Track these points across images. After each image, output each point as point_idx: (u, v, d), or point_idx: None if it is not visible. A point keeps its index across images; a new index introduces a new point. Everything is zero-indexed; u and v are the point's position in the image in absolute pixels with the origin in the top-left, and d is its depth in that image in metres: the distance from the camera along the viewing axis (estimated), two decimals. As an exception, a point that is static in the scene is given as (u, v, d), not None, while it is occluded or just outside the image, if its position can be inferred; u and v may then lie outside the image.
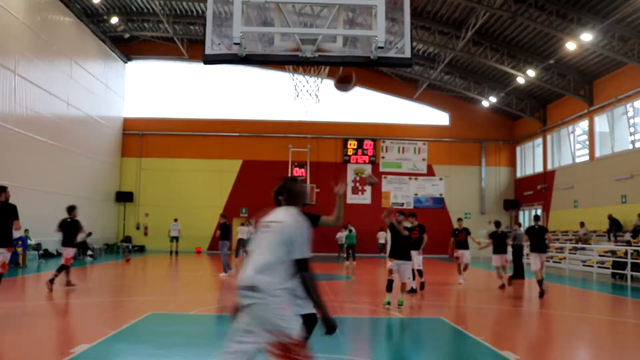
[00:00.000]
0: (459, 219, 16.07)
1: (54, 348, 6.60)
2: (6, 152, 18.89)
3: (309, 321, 4.10)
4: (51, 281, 11.38)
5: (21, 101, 20.01)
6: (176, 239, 27.35)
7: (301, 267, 3.39)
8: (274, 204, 3.89)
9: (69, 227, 12.14)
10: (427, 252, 14.07)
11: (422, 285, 12.86)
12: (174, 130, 31.08)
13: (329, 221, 5.22)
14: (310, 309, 3.77)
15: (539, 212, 29.54)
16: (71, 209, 12.29)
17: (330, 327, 3.39)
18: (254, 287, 3.35)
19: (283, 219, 3.58)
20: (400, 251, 10.18)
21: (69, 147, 23.93)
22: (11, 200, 9.43)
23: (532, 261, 12.74)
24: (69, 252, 12.05)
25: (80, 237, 13.01)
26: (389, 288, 9.99)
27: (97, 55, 27.64)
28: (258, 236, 3.64)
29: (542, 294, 11.97)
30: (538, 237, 12.76)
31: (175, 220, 28.02)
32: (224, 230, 16.27)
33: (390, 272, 10.18)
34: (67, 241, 12.10)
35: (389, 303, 9.86)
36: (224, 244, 16.20)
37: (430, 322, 9.36)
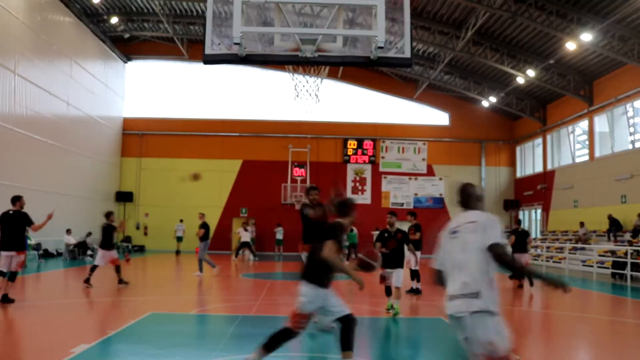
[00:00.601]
0: None
1: (54, 348, 6.59)
2: (6, 152, 18.89)
3: None
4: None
5: (21, 101, 20.01)
6: (180, 239, 27.63)
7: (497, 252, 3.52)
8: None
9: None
10: (427, 252, 14.06)
11: (417, 291, 12.34)
12: (174, 130, 31.08)
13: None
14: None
15: (539, 212, 29.57)
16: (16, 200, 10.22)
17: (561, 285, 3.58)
18: (478, 292, 3.45)
19: (476, 218, 3.73)
20: (386, 260, 9.29)
21: (69, 147, 23.93)
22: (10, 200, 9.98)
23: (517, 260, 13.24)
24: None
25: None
26: (389, 292, 9.63)
27: (97, 55, 27.64)
28: (452, 241, 3.75)
29: (532, 283, 13.50)
30: (521, 239, 13.91)
31: (181, 220, 28.11)
32: (205, 230, 16.35)
33: (383, 279, 9.42)
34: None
35: (391, 307, 9.57)
36: (206, 244, 16.22)
37: (430, 322, 9.36)
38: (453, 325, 3.59)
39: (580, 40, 20.09)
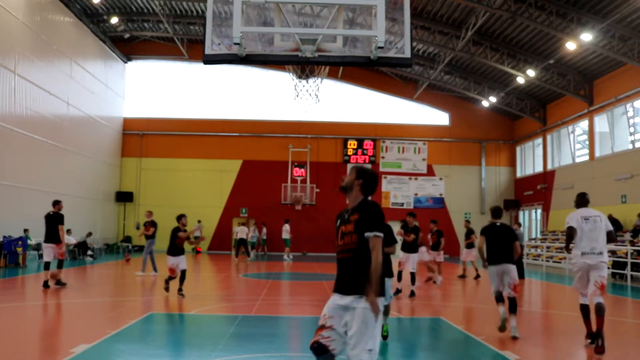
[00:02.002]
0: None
1: (54, 348, 6.60)
2: (6, 152, 18.89)
3: None
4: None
5: (21, 101, 20.01)
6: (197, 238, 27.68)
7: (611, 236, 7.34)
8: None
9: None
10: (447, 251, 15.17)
11: (412, 293, 12.04)
12: (174, 130, 31.08)
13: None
14: None
15: (539, 212, 29.57)
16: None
17: None
18: (602, 252, 7.14)
19: (599, 213, 7.38)
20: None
21: (69, 147, 23.94)
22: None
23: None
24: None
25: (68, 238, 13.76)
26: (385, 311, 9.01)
27: (97, 55, 27.64)
28: (590, 225, 7.26)
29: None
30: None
31: (199, 221, 27.97)
32: (154, 229, 16.34)
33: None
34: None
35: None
36: (152, 242, 16.24)
37: (430, 322, 9.36)
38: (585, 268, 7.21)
39: (580, 40, 20.08)
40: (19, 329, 7.84)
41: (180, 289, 11.12)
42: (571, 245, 7.31)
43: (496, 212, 8.35)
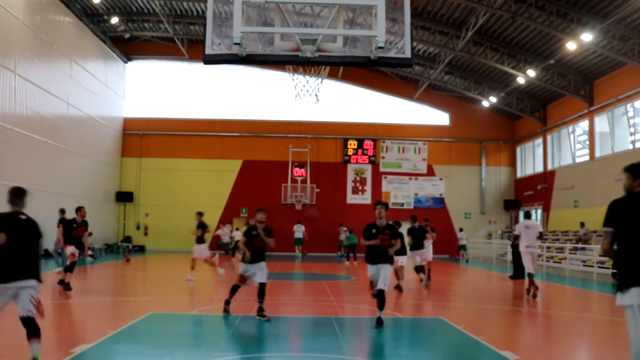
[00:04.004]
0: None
1: (54, 348, 6.59)
2: (6, 152, 18.90)
3: None
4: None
5: (21, 101, 20.01)
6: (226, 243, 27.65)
7: None
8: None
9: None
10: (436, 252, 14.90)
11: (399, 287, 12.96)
12: (174, 130, 31.09)
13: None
14: None
15: (539, 212, 29.55)
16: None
17: None
18: (535, 245, 12.28)
19: (535, 223, 11.21)
20: (374, 255, 8.46)
21: (69, 147, 23.94)
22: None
23: (418, 258, 13.81)
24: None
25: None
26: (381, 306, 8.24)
27: (97, 55, 27.64)
28: (529, 230, 12.05)
29: (426, 284, 13.53)
30: (418, 237, 13.88)
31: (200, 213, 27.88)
32: (67, 227, 16.25)
33: (372, 284, 8.55)
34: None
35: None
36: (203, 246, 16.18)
37: (430, 322, 9.36)
38: None
39: (580, 40, 20.08)
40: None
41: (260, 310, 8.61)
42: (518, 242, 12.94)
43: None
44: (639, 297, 4.31)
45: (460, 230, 28.97)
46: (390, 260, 8.43)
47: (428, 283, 13.80)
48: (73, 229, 12.68)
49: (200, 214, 15.36)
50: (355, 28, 5.85)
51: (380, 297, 8.15)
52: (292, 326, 8.83)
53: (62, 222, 16.16)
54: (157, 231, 30.21)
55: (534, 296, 11.87)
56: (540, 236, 12.83)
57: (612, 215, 4.40)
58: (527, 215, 13.21)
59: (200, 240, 14.92)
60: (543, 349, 7.20)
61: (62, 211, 16.47)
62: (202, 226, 15.31)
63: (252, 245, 8.75)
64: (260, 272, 8.69)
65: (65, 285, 12.06)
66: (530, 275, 12.31)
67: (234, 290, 8.99)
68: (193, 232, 15.13)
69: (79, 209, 12.84)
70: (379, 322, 8.11)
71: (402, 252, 13.06)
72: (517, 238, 12.94)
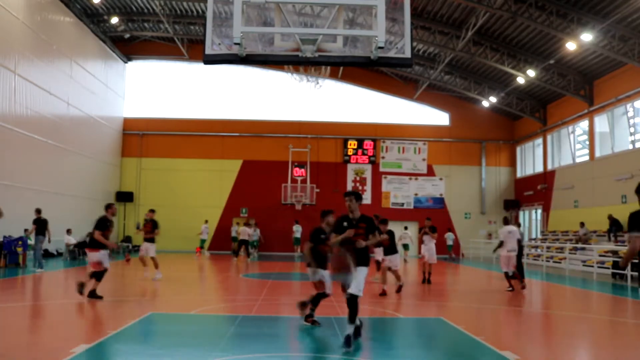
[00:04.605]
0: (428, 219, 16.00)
1: (54, 348, 6.59)
2: (6, 152, 18.90)
3: None
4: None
5: (21, 101, 20.01)
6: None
7: None
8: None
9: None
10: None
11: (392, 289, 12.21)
12: (174, 130, 31.09)
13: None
14: None
15: (539, 212, 29.55)
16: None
17: None
18: (515, 249, 13.55)
19: (515, 228, 12.68)
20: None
21: (69, 147, 23.94)
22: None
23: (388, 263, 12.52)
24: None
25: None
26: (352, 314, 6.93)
27: (97, 55, 27.64)
28: (511, 235, 13.23)
29: (400, 289, 12.49)
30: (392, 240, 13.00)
31: (206, 221, 28.01)
32: (40, 225, 16.25)
33: (344, 288, 7.56)
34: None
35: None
36: (39, 239, 16.14)
37: (430, 322, 9.36)
38: None
39: (580, 40, 20.08)
40: (19, 328, 7.84)
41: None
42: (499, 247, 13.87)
43: None
44: None
45: (449, 230, 29.20)
46: (366, 262, 6.90)
47: (399, 288, 12.49)
48: (107, 228, 10.81)
49: (152, 211, 15.39)
50: (355, 28, 5.86)
51: (351, 305, 6.61)
52: (291, 326, 8.82)
53: (38, 222, 16.21)
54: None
55: (509, 289, 13.40)
56: (520, 241, 14.09)
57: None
58: (506, 222, 14.16)
59: (151, 238, 14.73)
60: (543, 349, 7.21)
61: (38, 211, 16.50)
62: (155, 224, 15.09)
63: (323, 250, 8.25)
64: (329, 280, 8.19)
65: (95, 296, 10.40)
66: (507, 274, 13.70)
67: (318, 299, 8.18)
68: (156, 232, 15.06)
69: (109, 206, 11.33)
70: (347, 343, 6.45)
71: (391, 250, 12.50)
72: (502, 244, 13.66)
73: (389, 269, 12.51)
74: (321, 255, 8.13)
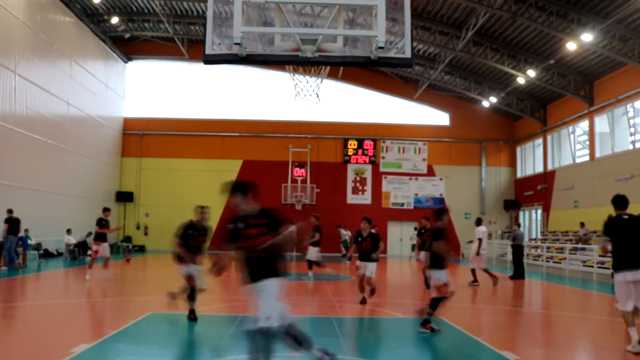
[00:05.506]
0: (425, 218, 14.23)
1: (54, 348, 6.59)
2: (6, 152, 18.89)
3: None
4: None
5: (21, 101, 20.01)
6: None
7: None
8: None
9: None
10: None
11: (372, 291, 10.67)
12: (174, 130, 31.09)
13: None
14: None
15: (539, 212, 29.54)
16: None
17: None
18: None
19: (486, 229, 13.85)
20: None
21: (69, 147, 23.93)
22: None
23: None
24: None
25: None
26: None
27: (97, 55, 27.64)
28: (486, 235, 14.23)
29: (373, 292, 10.73)
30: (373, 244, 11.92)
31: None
32: (13, 225, 16.29)
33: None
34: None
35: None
36: (11, 238, 16.26)
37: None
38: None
39: (580, 41, 20.08)
40: (19, 328, 7.84)
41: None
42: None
43: (621, 202, 6.70)
44: (627, 278, 6.36)
45: (414, 228, 29.03)
46: (273, 273, 5.26)
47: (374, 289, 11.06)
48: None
49: (107, 209, 15.48)
50: (356, 28, 5.85)
51: (282, 338, 5.15)
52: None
53: (10, 221, 16.30)
54: (157, 231, 30.17)
55: (472, 283, 14.50)
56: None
57: (609, 228, 6.77)
58: (479, 222, 15.10)
59: (103, 238, 15.01)
60: (543, 349, 7.20)
61: (10, 211, 16.61)
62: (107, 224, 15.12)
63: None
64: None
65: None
66: (474, 270, 14.76)
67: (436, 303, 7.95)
68: (112, 229, 15.74)
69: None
70: (326, 354, 5.30)
71: (368, 257, 10.33)
72: (481, 242, 14.56)
73: (364, 276, 10.37)
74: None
